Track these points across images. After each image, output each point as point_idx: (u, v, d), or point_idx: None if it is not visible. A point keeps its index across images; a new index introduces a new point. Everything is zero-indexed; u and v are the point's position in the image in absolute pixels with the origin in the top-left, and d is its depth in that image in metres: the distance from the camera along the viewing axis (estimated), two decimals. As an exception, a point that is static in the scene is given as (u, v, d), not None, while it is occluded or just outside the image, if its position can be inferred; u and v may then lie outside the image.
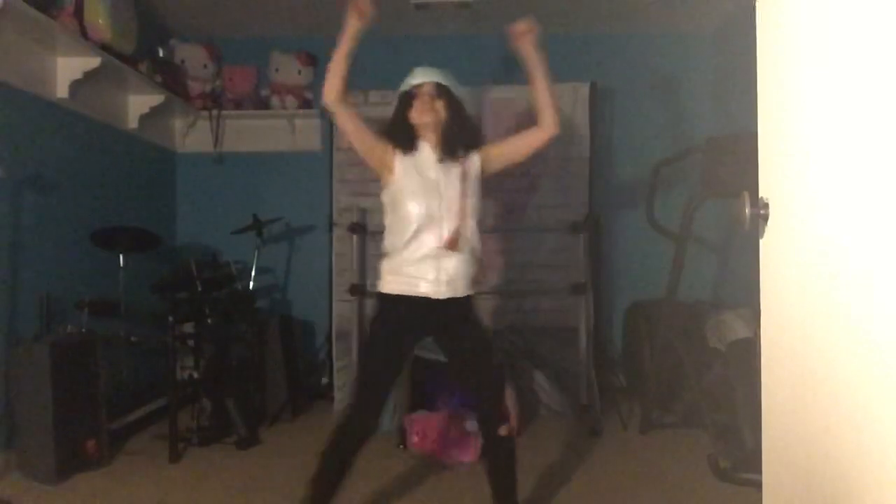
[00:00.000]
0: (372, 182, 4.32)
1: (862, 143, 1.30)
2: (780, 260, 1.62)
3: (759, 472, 1.76)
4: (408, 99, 2.49)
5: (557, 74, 4.70)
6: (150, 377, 4.05)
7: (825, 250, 1.43)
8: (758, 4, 1.70)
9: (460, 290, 2.39)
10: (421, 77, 2.53)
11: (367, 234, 4.24)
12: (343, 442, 2.44)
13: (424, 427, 3.45)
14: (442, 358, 3.73)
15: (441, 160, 2.43)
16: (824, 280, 1.43)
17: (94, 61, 3.65)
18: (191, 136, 5.01)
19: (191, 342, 3.69)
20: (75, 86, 3.67)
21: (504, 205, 4.30)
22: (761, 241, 1.69)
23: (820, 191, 1.44)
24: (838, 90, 1.37)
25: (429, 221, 2.36)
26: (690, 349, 3.74)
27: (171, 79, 4.52)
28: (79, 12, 3.54)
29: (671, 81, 4.92)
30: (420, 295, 2.34)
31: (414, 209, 2.36)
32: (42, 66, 3.55)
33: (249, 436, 3.63)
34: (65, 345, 3.15)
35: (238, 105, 4.91)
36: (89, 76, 3.69)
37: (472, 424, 3.41)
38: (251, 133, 4.98)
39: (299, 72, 4.85)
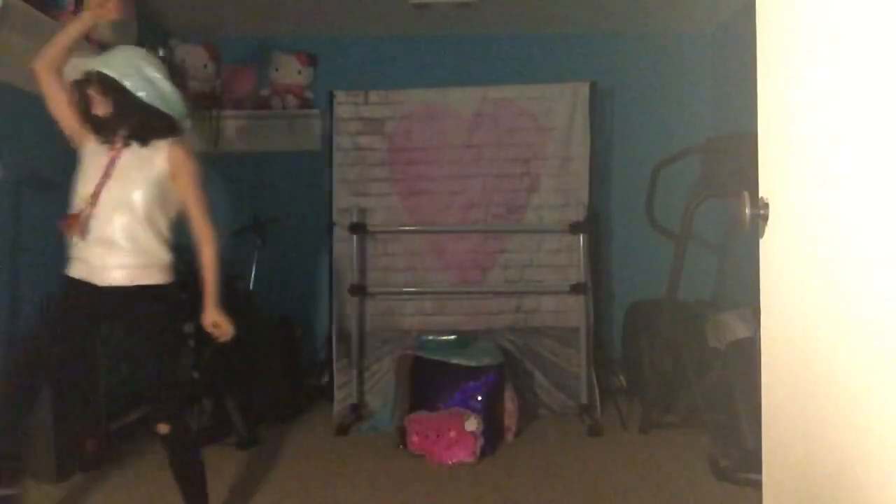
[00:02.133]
0: (372, 182, 4.35)
1: (862, 142, 1.30)
2: (780, 260, 1.62)
3: (759, 472, 1.76)
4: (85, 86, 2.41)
5: (557, 74, 4.72)
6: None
7: (825, 250, 1.43)
8: (758, 4, 1.70)
9: (117, 280, 2.35)
10: (94, 63, 2.42)
11: (367, 234, 4.24)
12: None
13: (424, 427, 3.45)
14: (442, 358, 3.76)
15: (100, 146, 2.43)
16: (824, 280, 1.43)
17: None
18: (191, 136, 5.00)
19: (191, 342, 3.69)
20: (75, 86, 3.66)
21: (504, 205, 4.30)
22: (761, 241, 1.69)
23: (820, 191, 1.44)
24: (838, 90, 1.37)
25: (83, 204, 2.38)
26: (690, 349, 3.74)
27: (171, 79, 4.51)
28: (79, 12, 3.53)
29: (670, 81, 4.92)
30: (85, 279, 2.37)
31: (78, 189, 2.41)
32: (42, 66, 3.54)
33: (249, 436, 3.63)
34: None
35: (238, 105, 4.91)
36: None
37: (472, 424, 3.41)
38: (251, 133, 4.98)
39: (299, 72, 4.85)
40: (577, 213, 4.17)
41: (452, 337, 4.07)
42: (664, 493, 2.96)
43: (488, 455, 3.45)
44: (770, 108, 1.67)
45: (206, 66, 4.84)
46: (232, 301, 3.98)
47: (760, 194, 1.67)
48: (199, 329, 3.67)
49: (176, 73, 4.64)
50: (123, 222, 2.36)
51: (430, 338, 4.06)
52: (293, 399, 4.17)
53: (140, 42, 4.06)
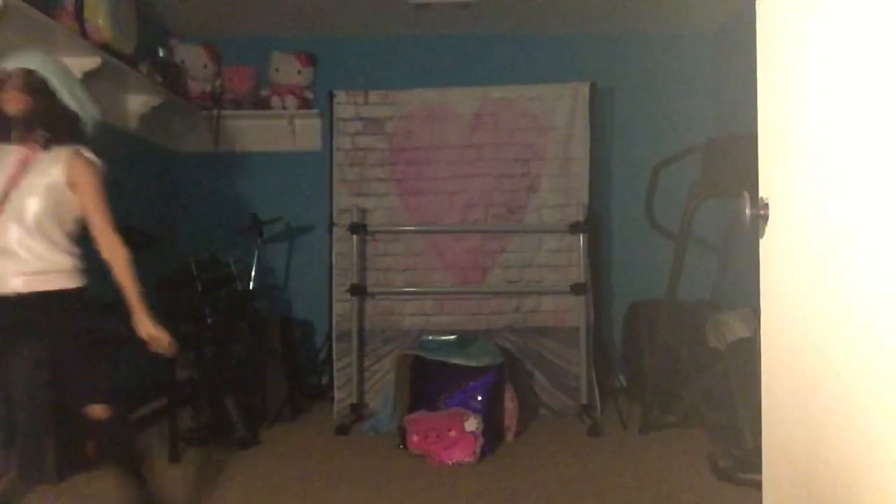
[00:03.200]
0: (372, 182, 4.35)
1: (862, 143, 1.30)
2: (780, 260, 1.62)
3: (759, 472, 1.76)
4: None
5: (557, 74, 4.72)
6: (150, 377, 4.04)
7: (825, 250, 1.43)
8: (758, 4, 1.70)
9: (17, 287, 2.30)
10: (13, 62, 2.35)
11: (367, 234, 4.24)
12: None
13: (424, 427, 3.45)
14: (442, 358, 3.76)
15: (26, 154, 2.35)
16: (824, 280, 1.43)
17: (94, 61, 3.64)
18: (191, 136, 5.01)
19: (191, 342, 3.69)
20: (75, 86, 3.66)
21: (504, 205, 4.30)
22: (761, 241, 1.69)
23: (820, 191, 1.44)
24: (838, 90, 1.37)
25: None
26: (690, 349, 3.74)
27: (171, 79, 4.52)
28: (79, 12, 3.53)
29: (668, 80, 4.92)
30: None
31: None
32: (42, 66, 3.54)
33: (249, 436, 3.63)
34: (65, 345, 3.14)
35: (238, 105, 4.91)
36: (89, 76, 3.68)
37: (472, 424, 3.41)
38: (251, 133, 4.98)
39: (299, 72, 4.85)
40: (577, 213, 4.17)
41: (452, 337, 4.07)
42: (664, 493, 2.96)
43: (488, 455, 3.45)
44: (770, 108, 1.67)
45: (206, 66, 4.84)
46: (232, 301, 4.01)
47: (760, 194, 1.67)
48: (199, 329, 3.69)
49: (175, 72, 4.66)
50: (17, 231, 2.31)
51: (430, 338, 4.06)
52: (293, 399, 4.17)
53: (140, 42, 4.07)
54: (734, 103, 4.41)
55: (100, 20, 3.62)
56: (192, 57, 4.81)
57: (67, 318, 2.40)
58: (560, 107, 4.28)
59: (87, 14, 3.58)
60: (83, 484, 3.08)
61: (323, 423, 4.06)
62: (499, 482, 3.13)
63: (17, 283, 2.30)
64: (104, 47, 3.68)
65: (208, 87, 4.89)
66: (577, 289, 4.13)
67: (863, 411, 1.30)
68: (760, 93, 1.70)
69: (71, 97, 2.40)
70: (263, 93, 4.94)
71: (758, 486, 1.78)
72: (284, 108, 4.87)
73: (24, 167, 2.33)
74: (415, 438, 3.46)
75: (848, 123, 1.34)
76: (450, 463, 3.35)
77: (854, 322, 1.33)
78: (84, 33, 3.55)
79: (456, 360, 3.71)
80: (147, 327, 2.47)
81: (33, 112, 2.33)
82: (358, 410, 4.11)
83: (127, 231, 3.76)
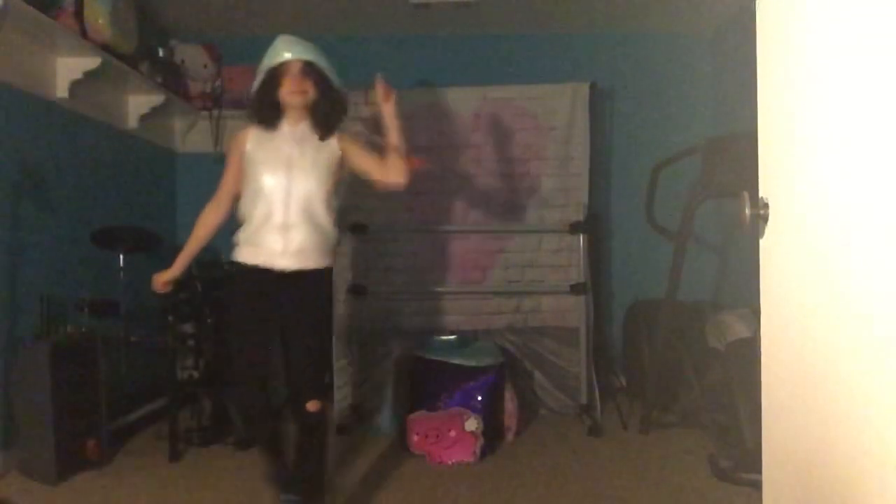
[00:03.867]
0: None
1: (862, 143, 1.30)
2: (780, 260, 1.62)
3: (759, 472, 1.76)
4: (276, 75, 2.45)
5: (557, 74, 4.73)
6: (150, 377, 4.04)
7: (825, 250, 1.43)
8: (758, 4, 1.70)
9: (309, 263, 2.42)
10: (289, 52, 2.45)
11: (367, 234, 4.24)
12: (251, 430, 2.52)
13: (424, 427, 3.45)
14: (442, 358, 3.76)
15: (301, 137, 2.47)
16: (824, 280, 1.43)
17: (94, 61, 3.64)
18: (191, 136, 5.01)
19: (191, 342, 3.69)
20: (75, 86, 3.67)
21: (504, 205, 4.29)
22: (761, 241, 1.69)
23: (820, 191, 1.44)
24: (838, 90, 1.37)
25: (279, 193, 2.39)
26: (690, 349, 3.74)
27: (171, 79, 4.52)
28: (79, 12, 3.54)
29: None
30: (268, 266, 2.40)
31: (266, 181, 2.41)
32: (42, 66, 3.55)
33: (249, 436, 3.63)
34: (65, 345, 3.15)
35: (238, 105, 4.90)
36: (89, 76, 3.69)
37: (472, 424, 3.41)
38: (251, 133, 4.97)
39: (299, 72, 4.85)
40: (577, 213, 4.17)
41: (452, 337, 4.07)
42: (664, 493, 2.96)
43: (488, 455, 3.45)
44: (770, 108, 1.67)
45: (206, 66, 4.84)
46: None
47: (760, 194, 1.67)
48: (199, 329, 3.69)
49: (175, 72, 4.66)
50: (297, 210, 2.43)
51: (430, 338, 4.06)
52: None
53: (140, 42, 4.07)
54: (734, 103, 4.41)
55: (100, 20, 3.62)
56: (192, 57, 4.81)
57: (324, 297, 2.53)
58: (560, 107, 4.27)
59: (87, 14, 3.58)
60: (83, 484, 3.08)
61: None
62: (499, 482, 3.13)
63: (293, 261, 2.40)
64: (104, 47, 3.69)
65: (208, 87, 4.88)
66: (577, 289, 4.13)
67: (863, 411, 1.30)
68: (760, 93, 1.70)
69: (336, 84, 2.53)
70: (263, 93, 4.93)
71: (758, 486, 1.78)
72: (284, 108, 4.86)
73: (299, 146, 2.45)
74: (415, 438, 3.46)
75: (848, 123, 1.34)
76: (450, 463, 3.35)
77: (854, 322, 1.33)
78: (84, 33, 3.55)
79: (456, 360, 3.71)
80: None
81: (313, 100, 2.46)
82: (358, 410, 4.11)
83: (127, 231, 3.78)
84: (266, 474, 2.57)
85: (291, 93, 2.42)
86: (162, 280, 2.64)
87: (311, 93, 2.45)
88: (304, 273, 2.41)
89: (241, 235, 2.48)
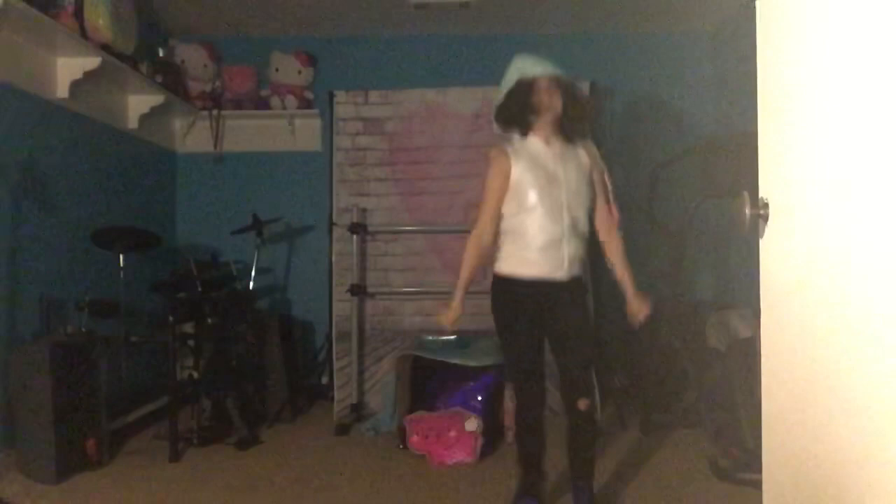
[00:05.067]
0: (372, 182, 4.35)
1: (862, 143, 1.30)
2: (780, 260, 1.62)
3: (759, 472, 1.76)
4: (527, 88, 2.58)
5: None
6: (150, 377, 4.05)
7: (825, 250, 1.43)
8: (758, 4, 1.70)
9: (576, 272, 2.60)
10: (540, 68, 2.61)
11: (367, 234, 4.24)
12: (524, 420, 2.68)
13: (424, 427, 3.45)
14: (442, 358, 3.76)
15: (557, 151, 2.59)
16: (824, 280, 1.43)
17: (94, 61, 3.65)
18: (191, 136, 5.01)
19: (191, 342, 3.69)
20: (75, 86, 3.67)
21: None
22: (761, 241, 1.69)
23: (820, 191, 1.44)
24: (838, 90, 1.37)
25: (551, 208, 2.52)
26: (690, 349, 3.74)
27: (171, 79, 4.52)
28: (79, 12, 3.54)
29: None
30: (544, 277, 2.55)
31: (534, 198, 2.52)
32: (42, 66, 3.55)
33: (249, 436, 3.63)
34: (65, 345, 3.15)
35: (238, 105, 4.91)
36: (89, 76, 3.69)
37: (472, 424, 3.41)
38: (251, 133, 4.98)
39: (299, 72, 4.85)
40: (577, 213, 4.16)
41: (452, 337, 4.06)
42: (664, 493, 2.96)
43: (488, 455, 3.45)
44: (770, 107, 1.67)
45: (206, 66, 4.84)
46: (232, 301, 4.01)
47: (760, 194, 1.67)
48: (199, 329, 3.69)
49: (175, 72, 4.66)
50: (568, 222, 2.58)
51: (430, 338, 4.06)
52: (293, 399, 4.17)
53: (140, 42, 4.07)
54: (734, 103, 4.41)
55: (100, 20, 3.62)
56: (192, 57, 4.81)
57: (585, 301, 2.68)
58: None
59: (87, 14, 3.58)
60: (83, 484, 3.07)
61: (323, 423, 4.06)
62: (499, 482, 3.13)
63: (566, 271, 2.56)
64: (104, 47, 3.69)
65: (208, 87, 4.89)
66: (577, 289, 4.12)
67: (863, 411, 1.30)
68: (760, 93, 1.70)
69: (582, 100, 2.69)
70: (263, 93, 4.94)
71: (758, 486, 1.78)
72: (284, 108, 4.87)
73: (561, 160, 2.57)
74: (415, 438, 3.46)
75: (848, 123, 1.34)
76: (450, 463, 3.35)
77: (854, 321, 1.33)
78: (84, 33, 3.56)
79: (456, 360, 3.71)
80: (637, 306, 2.74)
81: (565, 111, 2.56)
82: (358, 410, 4.11)
83: (127, 231, 3.78)
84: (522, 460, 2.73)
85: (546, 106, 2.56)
86: (451, 319, 2.77)
87: (559, 107, 2.56)
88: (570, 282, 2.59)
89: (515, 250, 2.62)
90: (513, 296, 2.63)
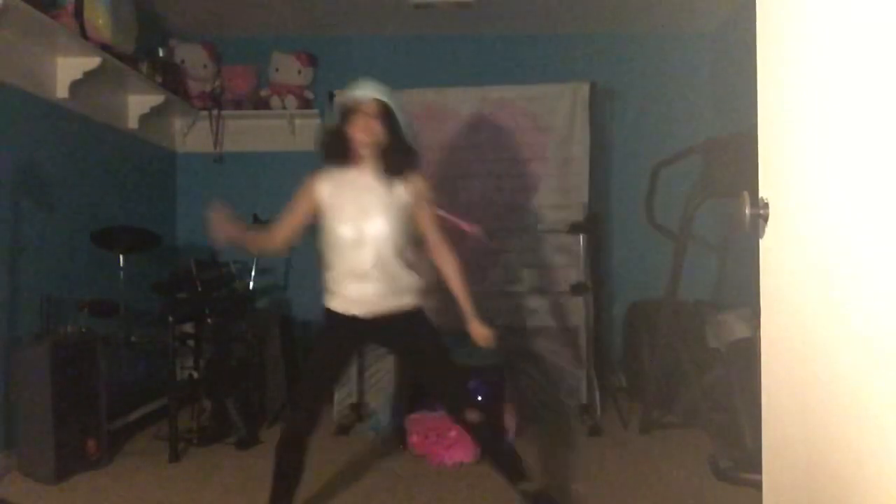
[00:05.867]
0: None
1: (862, 142, 1.30)
2: (780, 260, 1.62)
3: (759, 472, 1.76)
4: (348, 113, 2.45)
5: (557, 74, 4.73)
6: (150, 377, 4.05)
7: (825, 250, 1.43)
8: (758, 4, 1.70)
9: (390, 306, 2.45)
10: (364, 92, 2.46)
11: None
12: (286, 442, 2.57)
13: (424, 427, 3.45)
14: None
15: (372, 181, 2.45)
16: (824, 280, 1.43)
17: (94, 61, 3.65)
18: (191, 136, 5.01)
19: (191, 342, 3.69)
20: (75, 86, 3.67)
21: (504, 205, 4.29)
22: (761, 241, 1.69)
23: (820, 191, 1.44)
24: (838, 90, 1.37)
25: (356, 242, 2.42)
26: (690, 349, 3.74)
27: (171, 79, 4.52)
28: (79, 12, 3.54)
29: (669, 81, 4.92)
30: (350, 313, 2.47)
31: (342, 231, 2.44)
32: (42, 66, 3.55)
33: (249, 436, 3.63)
34: (65, 345, 3.15)
35: (238, 105, 4.91)
36: (89, 76, 3.69)
37: (472, 424, 3.41)
38: (251, 133, 4.98)
39: (299, 72, 4.85)
40: (577, 213, 4.17)
41: (452, 337, 4.06)
42: (664, 493, 2.96)
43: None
44: (770, 108, 1.67)
45: (206, 66, 4.84)
46: (232, 301, 4.01)
47: (760, 194, 1.67)
48: (199, 329, 3.69)
49: (175, 72, 4.66)
50: (373, 254, 2.44)
51: (430, 338, 4.05)
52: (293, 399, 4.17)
53: (140, 42, 4.07)
54: (734, 103, 4.41)
55: (100, 20, 3.62)
56: (192, 57, 4.81)
57: (430, 330, 2.58)
58: (560, 107, 4.27)
59: (87, 14, 3.58)
60: (83, 484, 3.07)
61: (323, 423, 4.05)
62: (499, 482, 3.12)
63: (378, 304, 2.45)
64: (104, 47, 3.69)
65: (208, 87, 4.89)
66: (577, 289, 4.13)
67: (863, 411, 1.30)
68: (760, 93, 1.70)
69: (407, 129, 2.50)
70: (263, 93, 4.94)
71: (758, 486, 1.78)
72: (284, 108, 4.87)
73: (376, 194, 2.43)
74: (415, 438, 3.46)
75: (848, 123, 1.34)
76: (450, 463, 3.35)
77: (854, 322, 1.33)
78: (84, 33, 3.56)
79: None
80: (476, 329, 2.61)
81: (383, 140, 2.43)
82: (358, 410, 4.11)
83: (127, 231, 3.78)
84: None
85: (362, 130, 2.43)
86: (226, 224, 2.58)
87: (381, 135, 2.44)
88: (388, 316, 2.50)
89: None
90: (329, 330, 2.57)
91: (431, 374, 2.59)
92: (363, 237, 2.41)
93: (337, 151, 2.47)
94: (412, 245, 2.53)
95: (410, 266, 2.51)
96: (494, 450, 2.59)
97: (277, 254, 2.62)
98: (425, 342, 2.55)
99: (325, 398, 2.62)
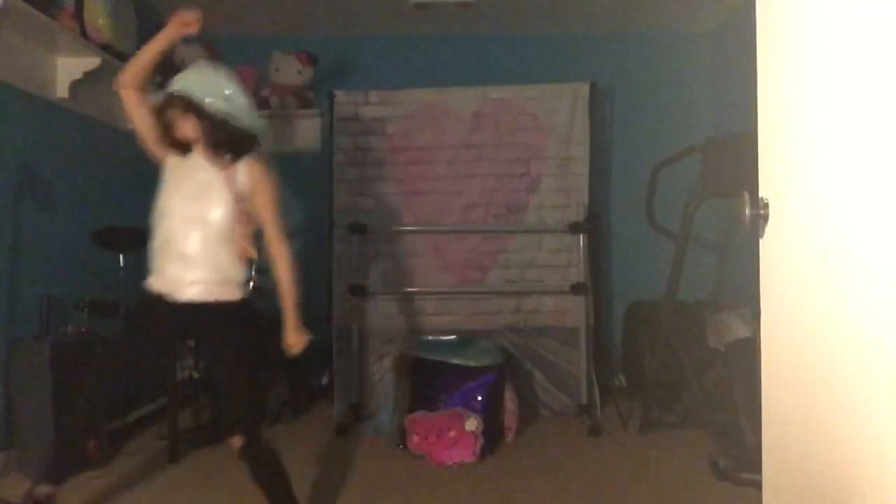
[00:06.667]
0: (372, 182, 4.35)
1: (862, 142, 1.30)
2: (780, 260, 1.62)
3: (759, 472, 1.76)
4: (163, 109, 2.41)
5: (557, 74, 4.72)
6: (150, 377, 4.04)
7: (825, 250, 1.43)
8: (758, 4, 1.70)
9: (205, 295, 2.36)
10: (170, 86, 2.40)
11: (367, 234, 4.24)
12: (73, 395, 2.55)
13: (424, 427, 3.45)
14: (442, 358, 3.76)
15: (209, 165, 2.41)
16: (824, 280, 1.43)
17: (94, 61, 3.65)
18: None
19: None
20: (75, 86, 3.67)
21: (504, 205, 4.30)
22: (761, 241, 1.69)
23: (820, 191, 1.44)
24: (838, 90, 1.37)
25: (183, 222, 2.37)
26: (690, 349, 3.74)
27: (170, 79, 4.51)
28: (79, 12, 3.54)
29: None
30: (166, 294, 2.37)
31: (171, 208, 2.41)
32: (42, 66, 3.55)
33: (249, 436, 3.63)
34: (65, 345, 3.15)
35: (238, 105, 4.90)
36: (89, 76, 3.69)
37: (472, 424, 3.41)
38: (251, 133, 4.97)
39: (299, 72, 4.85)
40: (577, 213, 4.17)
41: (452, 337, 4.07)
42: (664, 493, 2.96)
43: (488, 455, 3.45)
44: (770, 107, 1.67)
45: (206, 66, 4.84)
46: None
47: (760, 194, 1.67)
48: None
49: (175, 72, 4.65)
50: (198, 239, 2.36)
51: (430, 338, 4.07)
52: (293, 399, 4.17)
53: (140, 42, 4.07)
54: (734, 103, 4.41)
55: (100, 20, 3.62)
56: (193, 57, 4.80)
57: (236, 329, 2.44)
58: (560, 107, 4.28)
59: (87, 14, 3.58)
60: (83, 484, 3.07)
61: (323, 423, 4.06)
62: (499, 482, 3.13)
63: (194, 292, 2.35)
64: (104, 47, 3.69)
65: (208, 87, 4.88)
66: (577, 289, 4.13)
67: (863, 411, 1.30)
68: (760, 93, 1.70)
69: (238, 111, 2.39)
70: (263, 93, 4.93)
71: (758, 486, 1.78)
72: (284, 108, 4.86)
73: (207, 174, 2.39)
74: (415, 438, 3.46)
75: (848, 123, 1.34)
76: (450, 463, 3.35)
77: (854, 321, 1.33)
78: (84, 33, 3.56)
79: (456, 360, 3.71)
80: (291, 335, 2.53)
81: (195, 133, 2.37)
82: (358, 410, 4.11)
83: (127, 231, 3.78)
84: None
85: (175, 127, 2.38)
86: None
87: (191, 130, 2.36)
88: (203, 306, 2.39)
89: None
90: (142, 310, 2.48)
91: (218, 380, 2.45)
92: (190, 218, 2.35)
93: (169, 141, 2.43)
94: (252, 237, 2.45)
95: (241, 258, 2.42)
96: (265, 480, 2.47)
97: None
98: (227, 346, 2.42)
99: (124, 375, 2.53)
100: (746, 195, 1.66)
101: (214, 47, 4.87)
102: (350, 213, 4.21)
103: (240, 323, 2.44)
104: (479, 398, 3.60)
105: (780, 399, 1.66)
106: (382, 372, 4.20)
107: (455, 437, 3.39)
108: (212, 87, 2.40)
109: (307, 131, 4.96)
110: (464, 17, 4.62)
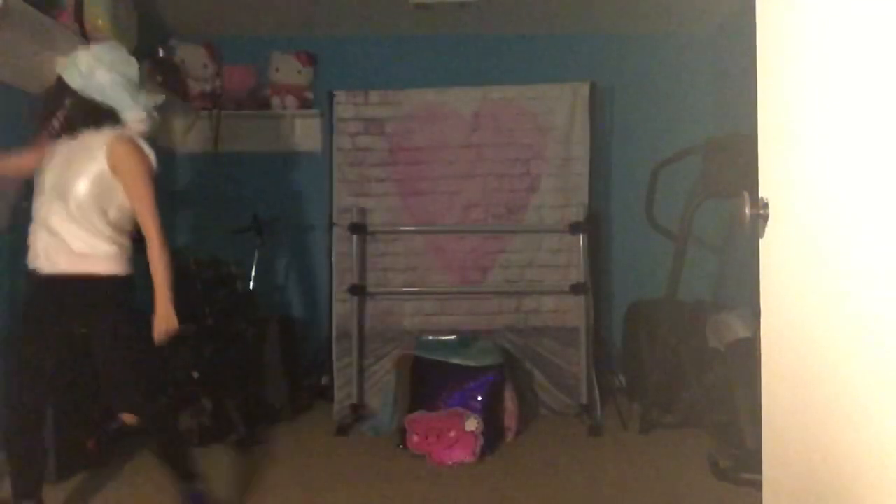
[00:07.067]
0: (372, 182, 4.34)
1: (862, 142, 1.30)
2: (780, 260, 1.62)
3: (759, 472, 1.76)
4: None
5: (557, 74, 4.72)
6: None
7: (825, 250, 1.43)
8: (758, 4, 1.70)
9: (69, 267, 2.39)
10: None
11: (367, 234, 4.24)
12: (10, 420, 2.47)
13: (424, 427, 3.45)
14: (442, 358, 3.76)
15: (80, 141, 2.48)
16: (824, 280, 1.43)
17: (94, 61, 3.64)
18: (191, 136, 5.00)
19: (191, 342, 3.69)
20: (75, 86, 3.66)
21: (504, 205, 4.30)
22: (761, 241, 1.69)
23: (820, 191, 1.45)
24: (838, 90, 1.37)
25: (48, 191, 2.45)
26: (690, 349, 3.74)
27: (170, 79, 4.52)
28: (79, 12, 3.53)
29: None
30: (33, 267, 2.45)
31: (41, 178, 2.49)
32: (42, 66, 3.54)
33: (249, 436, 3.63)
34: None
35: (238, 105, 4.91)
36: (89, 76, 3.68)
37: (472, 424, 3.41)
38: (251, 133, 4.97)
39: (299, 72, 4.85)
40: (577, 213, 4.17)
41: (452, 337, 4.07)
42: (664, 493, 2.96)
43: (488, 455, 3.45)
44: (770, 108, 1.67)
45: (206, 66, 4.84)
46: (232, 301, 4.01)
47: (760, 194, 1.67)
48: (199, 329, 3.69)
49: (175, 72, 4.65)
50: (62, 213, 2.41)
51: (430, 338, 4.06)
52: (293, 399, 4.17)
53: (140, 42, 4.07)
54: (734, 103, 4.40)
55: (100, 20, 3.62)
56: (192, 57, 4.81)
57: (108, 305, 2.46)
58: (560, 107, 4.27)
59: (87, 14, 3.57)
60: (83, 484, 3.07)
61: (323, 423, 4.06)
62: (499, 482, 3.13)
63: (60, 263, 2.40)
64: (104, 47, 3.68)
65: (208, 87, 4.88)
66: (577, 289, 4.13)
67: (863, 411, 1.30)
68: (760, 93, 1.70)
69: (89, 85, 2.46)
70: (263, 93, 4.94)
71: (758, 486, 1.79)
72: (284, 108, 4.87)
73: (78, 149, 2.45)
74: (415, 438, 3.46)
75: (848, 123, 1.34)
76: (450, 463, 3.35)
77: (854, 322, 1.33)
78: (84, 33, 3.55)
79: (456, 360, 3.71)
80: (159, 325, 2.50)
81: (52, 102, 2.49)
82: (358, 410, 4.11)
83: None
84: None
85: None
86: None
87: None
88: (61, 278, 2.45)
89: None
90: (27, 292, 2.52)
91: (100, 359, 2.46)
92: (55, 189, 2.42)
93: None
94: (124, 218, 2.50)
95: (106, 235, 2.44)
96: (164, 445, 2.58)
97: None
98: (100, 321, 2.44)
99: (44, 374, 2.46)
100: (746, 195, 1.66)
101: (214, 47, 4.87)
102: (350, 213, 4.21)
103: (111, 299, 2.46)
104: (479, 398, 3.60)
105: (780, 399, 1.66)
106: (382, 372, 4.20)
107: (455, 437, 3.39)
108: (74, 63, 2.48)
109: (307, 131, 4.96)
110: (464, 17, 4.62)
